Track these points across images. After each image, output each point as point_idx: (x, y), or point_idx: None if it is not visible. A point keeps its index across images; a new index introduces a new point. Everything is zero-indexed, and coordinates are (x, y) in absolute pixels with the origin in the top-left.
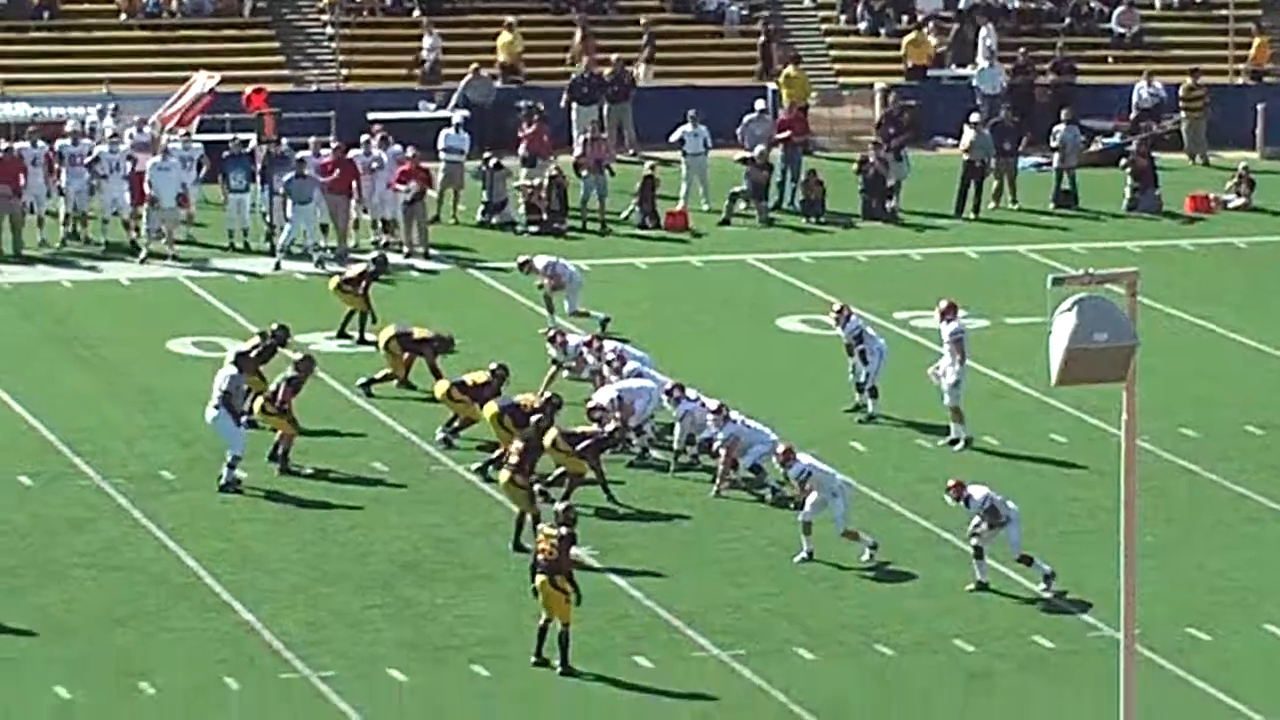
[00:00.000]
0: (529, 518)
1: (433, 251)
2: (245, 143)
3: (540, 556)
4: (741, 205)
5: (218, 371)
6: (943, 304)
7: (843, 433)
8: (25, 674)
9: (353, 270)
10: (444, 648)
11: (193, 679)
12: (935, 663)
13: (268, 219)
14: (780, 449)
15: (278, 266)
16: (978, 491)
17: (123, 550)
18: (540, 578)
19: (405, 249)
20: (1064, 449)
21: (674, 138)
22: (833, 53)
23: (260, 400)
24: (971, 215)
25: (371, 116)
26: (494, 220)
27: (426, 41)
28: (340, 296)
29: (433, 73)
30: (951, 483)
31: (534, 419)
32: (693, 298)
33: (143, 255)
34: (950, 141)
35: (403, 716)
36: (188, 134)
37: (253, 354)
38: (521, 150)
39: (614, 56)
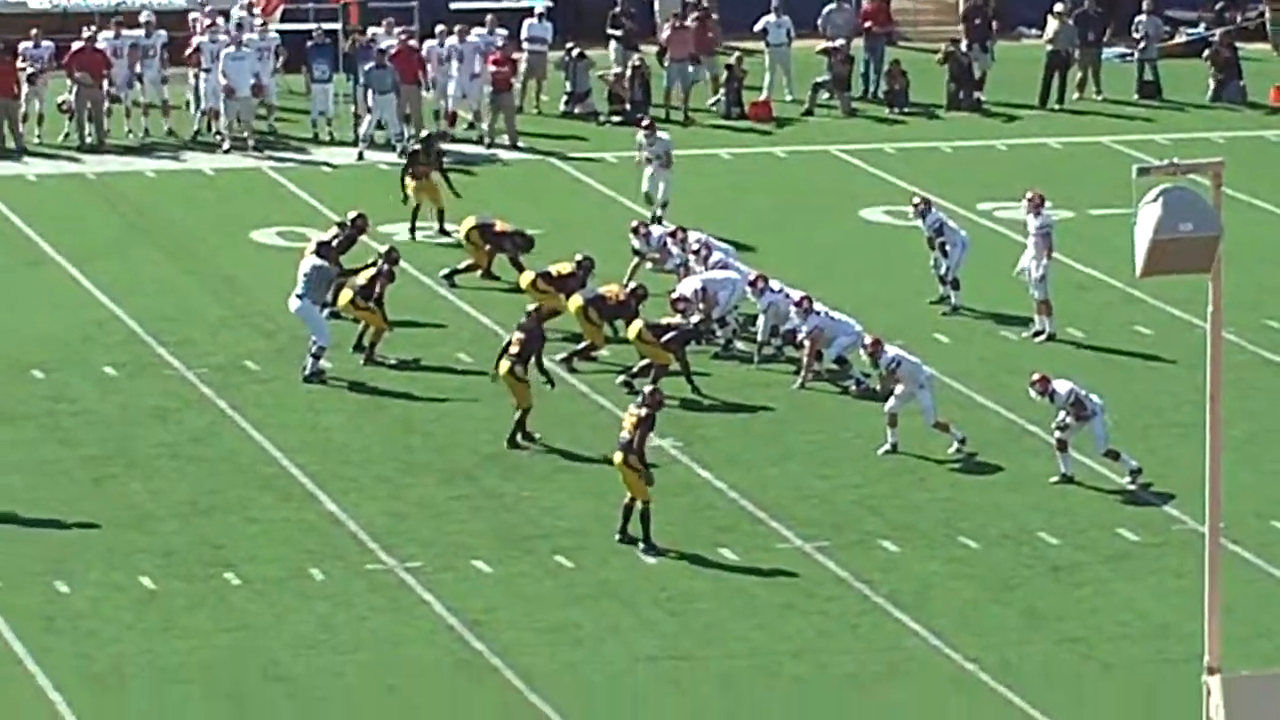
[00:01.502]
0: (525, 412)
1: (519, 142)
2: (329, 32)
3: (622, 433)
4: (825, 96)
5: (301, 261)
6: (1030, 195)
7: (927, 324)
8: (111, 564)
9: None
10: (528, 538)
11: (277, 569)
12: (1019, 555)
13: (354, 109)
14: (868, 340)
15: (360, 156)
16: (1062, 386)
17: (207, 441)
18: (618, 455)
19: (486, 139)
20: (1149, 341)
21: (757, 28)
22: None
23: (349, 294)
24: (1055, 105)
25: (454, 6)
26: (576, 110)
27: None
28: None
29: None
30: (1035, 377)
31: (532, 310)
32: (776, 188)
33: (226, 145)
34: (1034, 31)
35: (486, 606)
36: (264, 24)
37: (334, 243)
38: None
39: None
